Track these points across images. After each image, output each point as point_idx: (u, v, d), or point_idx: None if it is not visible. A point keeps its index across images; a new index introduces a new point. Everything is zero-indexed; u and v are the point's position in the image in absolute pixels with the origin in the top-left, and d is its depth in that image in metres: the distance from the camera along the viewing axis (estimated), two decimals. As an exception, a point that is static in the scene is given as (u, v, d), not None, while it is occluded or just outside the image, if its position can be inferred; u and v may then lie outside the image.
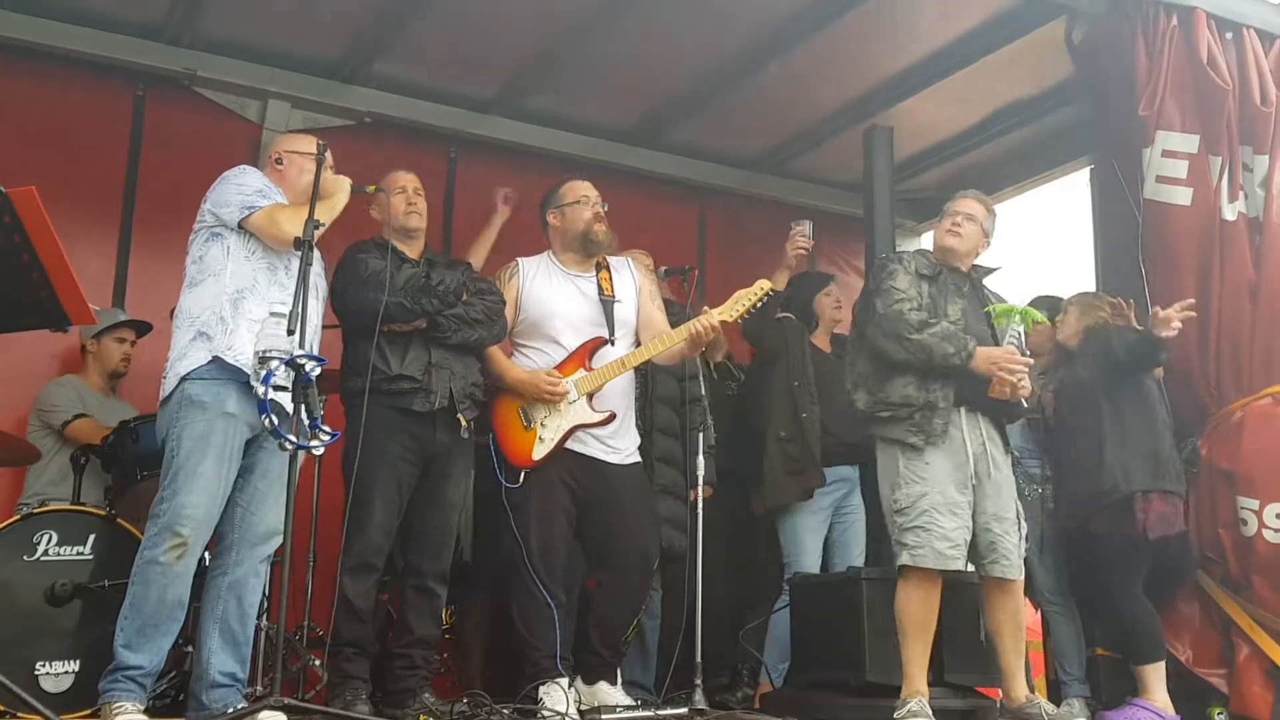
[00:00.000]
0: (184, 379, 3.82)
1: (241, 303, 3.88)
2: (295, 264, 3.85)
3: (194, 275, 3.96)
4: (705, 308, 4.59)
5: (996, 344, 4.41)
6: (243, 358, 3.78)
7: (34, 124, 5.79)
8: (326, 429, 3.66)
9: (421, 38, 6.01)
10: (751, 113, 6.81)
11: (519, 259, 4.82)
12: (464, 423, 4.46)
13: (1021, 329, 4.43)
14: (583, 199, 4.78)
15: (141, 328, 5.56)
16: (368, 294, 4.38)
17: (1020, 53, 6.02)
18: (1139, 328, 5.02)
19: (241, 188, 4.00)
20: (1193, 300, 4.95)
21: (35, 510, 4.23)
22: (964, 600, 4.61)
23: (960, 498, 4.34)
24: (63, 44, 5.81)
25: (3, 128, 5.65)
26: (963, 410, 4.41)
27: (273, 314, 3.81)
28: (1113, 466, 4.84)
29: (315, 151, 4.13)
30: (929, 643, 4.36)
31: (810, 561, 5.49)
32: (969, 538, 4.35)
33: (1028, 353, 4.45)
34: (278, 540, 3.94)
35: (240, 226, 3.94)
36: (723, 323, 4.53)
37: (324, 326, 4.37)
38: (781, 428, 5.49)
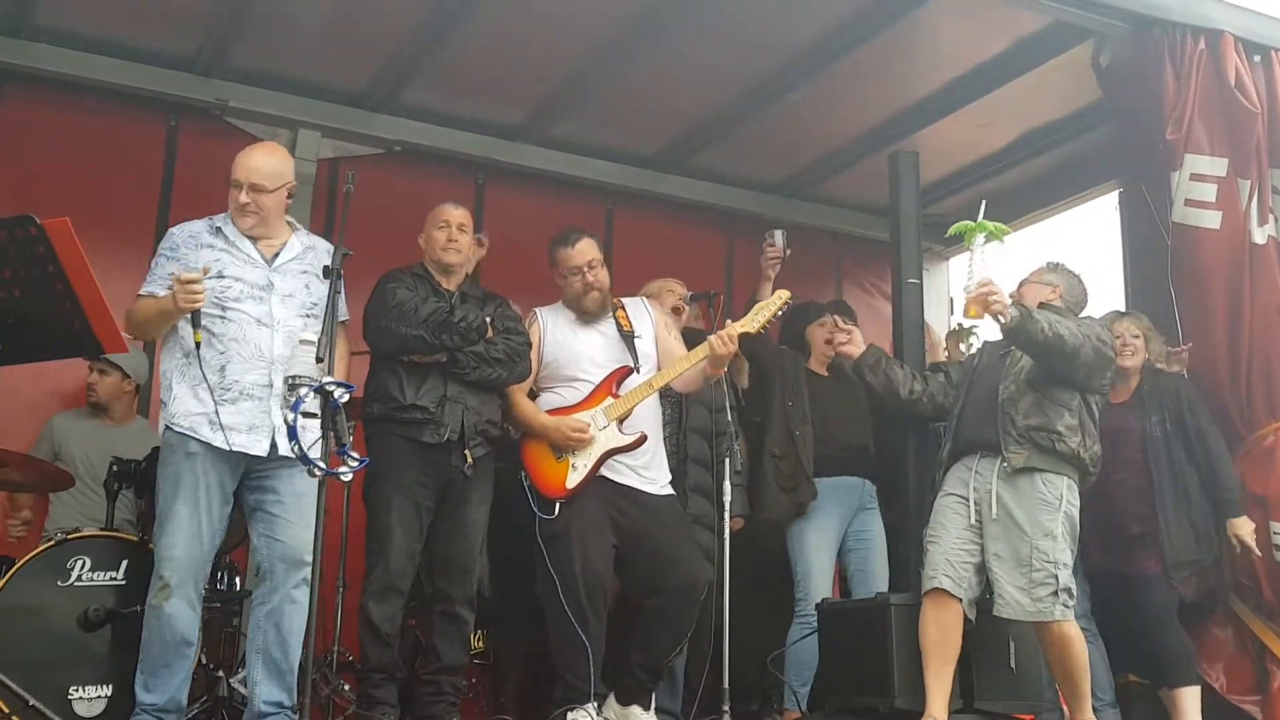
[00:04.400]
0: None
1: (189, 369, 3.93)
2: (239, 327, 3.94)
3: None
4: (728, 321, 4.61)
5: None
6: (185, 422, 3.88)
7: (68, 155, 5.88)
8: (355, 455, 3.68)
9: (448, 67, 6.07)
10: (778, 138, 6.83)
11: (536, 309, 4.84)
12: (469, 459, 4.44)
13: (982, 245, 4.47)
14: (573, 270, 4.74)
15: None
16: (390, 324, 4.41)
17: (1047, 77, 6.01)
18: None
19: (154, 259, 4.06)
20: None
21: (69, 536, 4.26)
22: (995, 628, 4.58)
23: (954, 529, 4.49)
24: (96, 76, 5.91)
25: (38, 158, 5.76)
26: (977, 456, 4.54)
27: (302, 341, 3.85)
28: (1202, 533, 4.97)
29: (234, 179, 4.05)
30: (945, 664, 4.37)
31: (820, 580, 5.40)
32: (964, 571, 4.44)
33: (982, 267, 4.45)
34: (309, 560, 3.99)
35: None
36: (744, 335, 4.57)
37: (354, 353, 4.41)
38: (776, 445, 5.50)
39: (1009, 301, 4.34)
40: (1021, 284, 4.87)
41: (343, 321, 4.20)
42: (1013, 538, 4.38)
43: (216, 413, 3.86)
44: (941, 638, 4.39)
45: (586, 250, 4.76)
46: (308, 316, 4.07)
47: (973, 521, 4.47)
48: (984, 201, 4.63)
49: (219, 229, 4.07)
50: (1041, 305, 4.62)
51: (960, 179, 7.26)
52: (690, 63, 6.04)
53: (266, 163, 4.11)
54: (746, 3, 5.52)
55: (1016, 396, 4.51)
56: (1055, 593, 4.32)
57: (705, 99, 6.48)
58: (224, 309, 3.92)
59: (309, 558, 3.88)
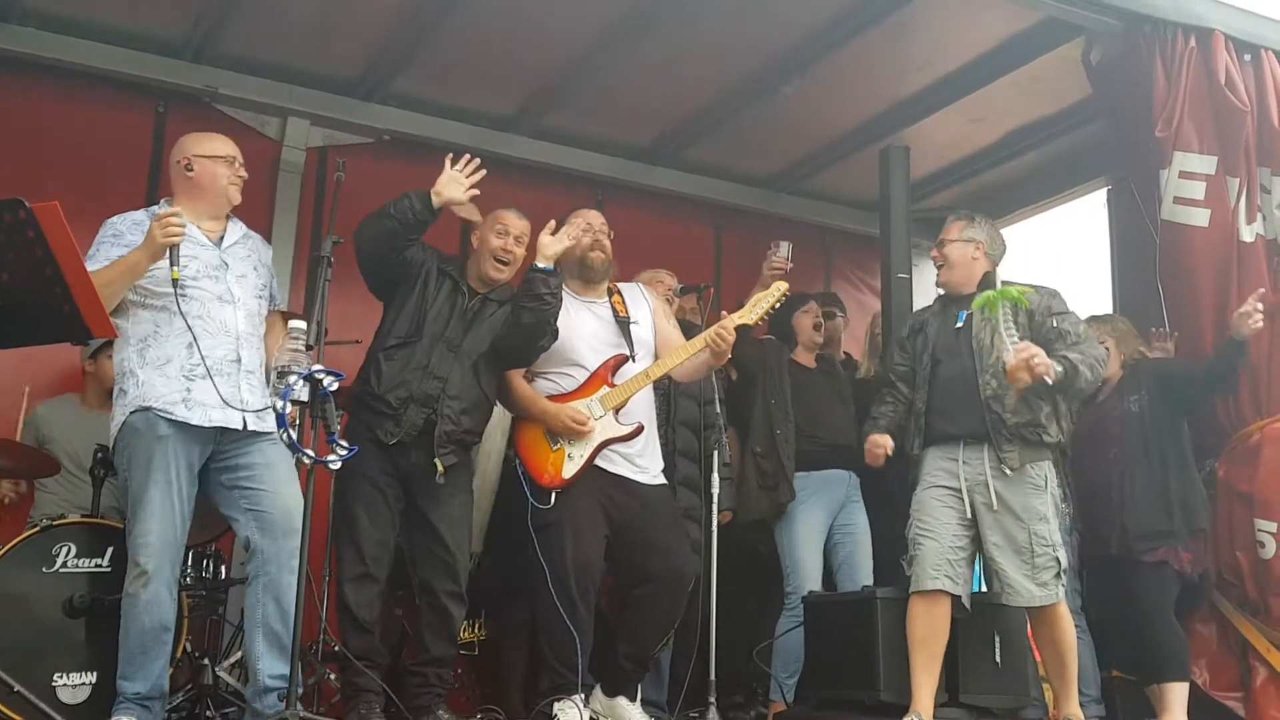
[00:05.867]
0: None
1: (149, 350, 3.90)
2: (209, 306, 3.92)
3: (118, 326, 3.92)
4: (724, 313, 4.61)
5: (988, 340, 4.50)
6: (156, 404, 3.83)
7: (58, 139, 5.84)
8: (343, 443, 3.69)
9: (440, 56, 6.06)
10: (768, 132, 6.84)
11: None
12: (440, 469, 4.33)
13: (1009, 312, 4.42)
14: (585, 227, 4.70)
15: None
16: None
17: (1038, 73, 6.03)
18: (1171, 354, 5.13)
19: (93, 246, 3.95)
20: (1264, 289, 5.04)
21: (54, 522, 4.24)
22: (980, 622, 4.60)
23: (951, 525, 4.47)
24: (86, 61, 5.88)
25: (27, 143, 5.72)
26: (960, 445, 4.52)
27: (292, 329, 3.84)
28: (1175, 504, 4.94)
29: (226, 154, 4.08)
30: (933, 660, 4.39)
31: (809, 574, 5.40)
32: (960, 569, 4.44)
33: (1014, 334, 4.37)
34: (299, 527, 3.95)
35: None
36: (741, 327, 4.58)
37: (342, 342, 4.39)
38: (757, 444, 5.50)
39: (1051, 362, 4.28)
40: (941, 244, 4.78)
41: (281, 310, 4.28)
42: (1009, 525, 4.41)
43: (189, 389, 3.84)
44: (931, 633, 4.40)
45: (599, 218, 4.78)
46: (260, 298, 4.12)
47: (967, 515, 4.47)
48: (999, 274, 4.68)
49: None
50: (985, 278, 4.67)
51: (950, 174, 7.28)
52: (682, 56, 6.03)
53: None
54: (739, -4, 5.52)
55: (1000, 393, 4.47)
56: (1057, 575, 4.40)
57: (696, 92, 6.48)
58: (184, 287, 3.88)
59: (299, 524, 3.85)
